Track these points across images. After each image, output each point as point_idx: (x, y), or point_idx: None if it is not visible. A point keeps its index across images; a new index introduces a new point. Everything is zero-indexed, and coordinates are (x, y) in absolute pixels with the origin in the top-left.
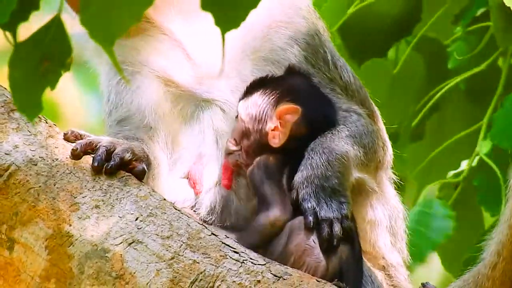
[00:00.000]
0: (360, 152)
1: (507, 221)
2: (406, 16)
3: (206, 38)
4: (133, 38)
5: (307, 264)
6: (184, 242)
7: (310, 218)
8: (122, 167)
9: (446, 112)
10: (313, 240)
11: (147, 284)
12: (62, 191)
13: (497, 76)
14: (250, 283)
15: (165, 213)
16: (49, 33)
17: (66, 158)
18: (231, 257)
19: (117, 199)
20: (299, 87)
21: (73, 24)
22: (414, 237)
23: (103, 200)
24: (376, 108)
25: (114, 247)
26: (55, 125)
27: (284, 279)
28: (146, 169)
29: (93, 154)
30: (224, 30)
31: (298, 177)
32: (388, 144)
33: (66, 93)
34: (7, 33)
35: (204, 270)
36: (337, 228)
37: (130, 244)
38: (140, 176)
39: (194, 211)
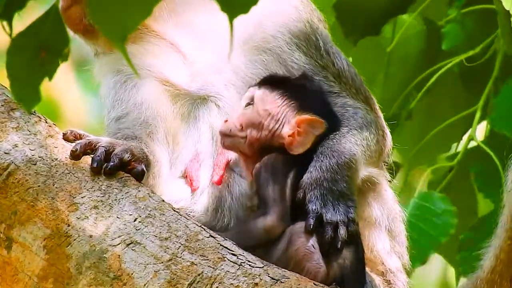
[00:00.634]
0: (364, 146)
1: (504, 226)
2: None
3: (199, 37)
4: (129, 44)
5: (307, 269)
6: (182, 244)
7: (312, 221)
8: (121, 168)
9: (438, 95)
10: (313, 245)
11: (144, 285)
12: (61, 191)
13: (492, 59)
14: (247, 286)
15: (164, 214)
16: (46, 24)
17: (66, 158)
18: (229, 260)
19: (116, 199)
20: (318, 100)
21: None
22: (413, 233)
23: (102, 201)
24: (372, 96)
25: (112, 248)
26: (54, 124)
27: (282, 282)
28: (145, 170)
29: (92, 154)
30: (231, 16)
31: (307, 178)
32: (387, 130)
33: (67, 92)
34: (4, 23)
35: (202, 272)
36: (342, 231)
37: (128, 245)
38: (139, 177)
39: (189, 212)
